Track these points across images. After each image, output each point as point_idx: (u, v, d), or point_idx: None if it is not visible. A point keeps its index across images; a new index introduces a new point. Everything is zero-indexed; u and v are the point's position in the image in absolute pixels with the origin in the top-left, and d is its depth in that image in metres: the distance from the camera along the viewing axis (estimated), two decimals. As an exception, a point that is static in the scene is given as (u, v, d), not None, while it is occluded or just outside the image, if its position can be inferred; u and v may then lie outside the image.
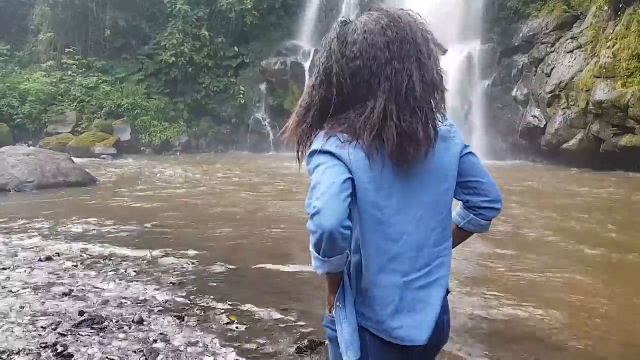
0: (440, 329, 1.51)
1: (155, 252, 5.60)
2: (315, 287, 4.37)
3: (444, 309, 1.52)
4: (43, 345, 3.28)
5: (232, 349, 3.31)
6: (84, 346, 3.29)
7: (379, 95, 1.37)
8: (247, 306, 4.06)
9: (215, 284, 4.64)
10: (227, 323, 3.72)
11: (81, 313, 3.78)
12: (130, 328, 3.58)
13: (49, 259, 5.26)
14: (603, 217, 7.78)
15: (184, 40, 21.43)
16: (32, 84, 20.44)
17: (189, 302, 4.14)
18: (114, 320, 3.68)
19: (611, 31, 13.41)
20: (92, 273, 4.87)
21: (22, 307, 3.94)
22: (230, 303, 4.12)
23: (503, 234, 6.48)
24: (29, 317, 3.75)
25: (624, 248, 5.99)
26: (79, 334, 3.46)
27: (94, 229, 6.81)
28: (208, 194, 10.32)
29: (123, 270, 4.96)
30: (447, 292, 1.55)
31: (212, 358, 3.18)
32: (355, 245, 1.44)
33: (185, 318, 3.77)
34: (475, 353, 3.35)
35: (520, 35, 17.09)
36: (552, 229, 6.94)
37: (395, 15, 1.40)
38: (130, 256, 5.46)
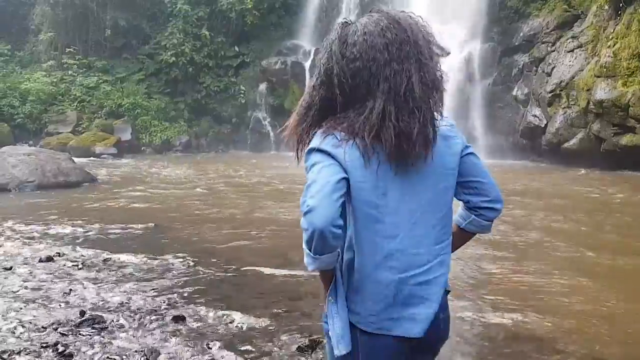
0: (437, 326, 1.51)
1: (155, 253, 5.60)
2: (315, 288, 4.37)
3: (442, 307, 1.52)
4: (44, 345, 3.28)
5: (233, 348, 3.31)
6: (85, 346, 3.29)
7: (378, 96, 1.39)
8: (248, 306, 4.07)
9: (215, 285, 4.65)
10: (227, 323, 3.72)
11: (82, 313, 3.79)
12: (131, 328, 3.58)
13: (49, 259, 5.26)
14: (603, 219, 7.77)
15: (185, 40, 21.43)
16: (33, 84, 20.44)
17: (189, 302, 4.14)
18: (114, 321, 3.68)
19: (612, 30, 13.40)
20: (93, 273, 4.88)
21: (22, 307, 3.95)
22: (230, 303, 4.13)
23: (502, 234, 6.46)
24: (29, 317, 3.75)
25: (624, 250, 5.99)
26: (79, 334, 3.47)
27: (95, 229, 6.81)
28: (208, 195, 10.32)
29: (123, 271, 4.96)
30: (447, 291, 1.56)
31: (212, 357, 3.19)
32: (349, 242, 1.47)
33: (186, 318, 3.77)
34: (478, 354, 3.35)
35: (521, 34, 17.07)
36: (552, 230, 6.93)
37: (395, 18, 1.42)
38: (130, 256, 5.46)
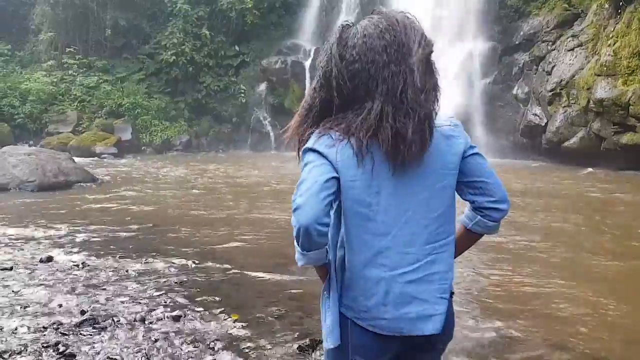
0: (435, 325, 1.51)
1: (156, 253, 5.61)
2: (315, 288, 4.37)
3: (442, 306, 1.52)
4: (45, 345, 3.29)
5: (233, 348, 3.31)
6: (86, 346, 3.30)
7: (377, 98, 1.41)
8: (248, 306, 4.08)
9: (215, 285, 4.65)
10: (228, 322, 3.73)
11: (83, 313, 3.79)
12: (131, 328, 3.59)
13: (49, 259, 5.28)
14: (603, 219, 7.77)
15: (185, 40, 21.42)
16: (33, 83, 20.43)
17: (189, 302, 4.15)
18: (115, 320, 3.69)
19: (612, 29, 13.39)
20: (93, 273, 4.88)
21: (22, 307, 3.95)
22: (230, 303, 4.13)
23: (502, 235, 6.42)
24: (30, 317, 3.76)
25: (623, 252, 5.99)
26: (80, 334, 3.47)
27: (95, 229, 6.82)
28: (208, 195, 10.32)
29: (124, 271, 4.97)
30: (452, 293, 1.57)
31: (213, 357, 3.19)
32: (341, 240, 1.50)
33: (186, 318, 3.78)
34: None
35: (521, 33, 17.07)
36: (552, 231, 6.93)
37: (393, 19, 1.44)
38: (130, 257, 5.47)
